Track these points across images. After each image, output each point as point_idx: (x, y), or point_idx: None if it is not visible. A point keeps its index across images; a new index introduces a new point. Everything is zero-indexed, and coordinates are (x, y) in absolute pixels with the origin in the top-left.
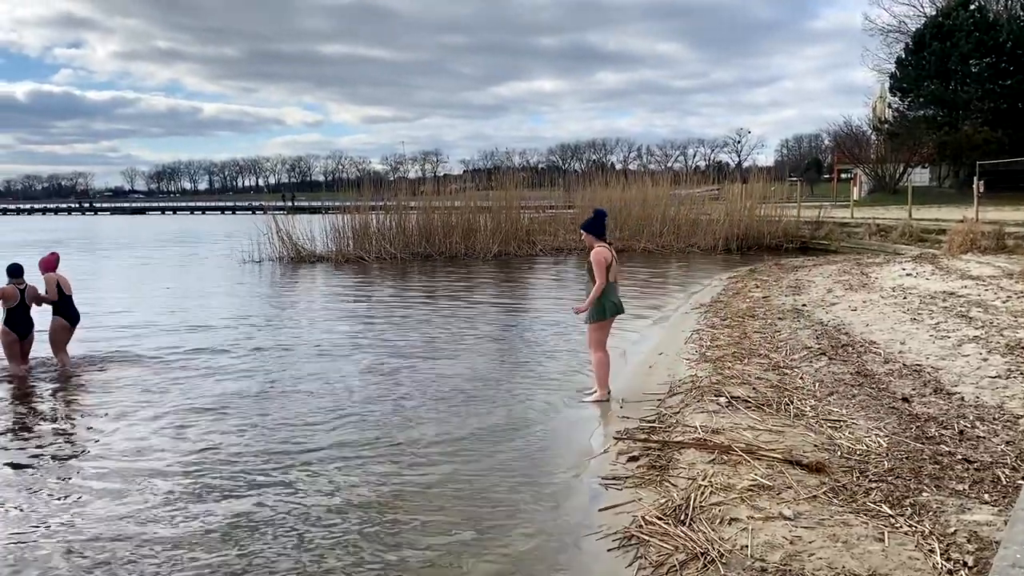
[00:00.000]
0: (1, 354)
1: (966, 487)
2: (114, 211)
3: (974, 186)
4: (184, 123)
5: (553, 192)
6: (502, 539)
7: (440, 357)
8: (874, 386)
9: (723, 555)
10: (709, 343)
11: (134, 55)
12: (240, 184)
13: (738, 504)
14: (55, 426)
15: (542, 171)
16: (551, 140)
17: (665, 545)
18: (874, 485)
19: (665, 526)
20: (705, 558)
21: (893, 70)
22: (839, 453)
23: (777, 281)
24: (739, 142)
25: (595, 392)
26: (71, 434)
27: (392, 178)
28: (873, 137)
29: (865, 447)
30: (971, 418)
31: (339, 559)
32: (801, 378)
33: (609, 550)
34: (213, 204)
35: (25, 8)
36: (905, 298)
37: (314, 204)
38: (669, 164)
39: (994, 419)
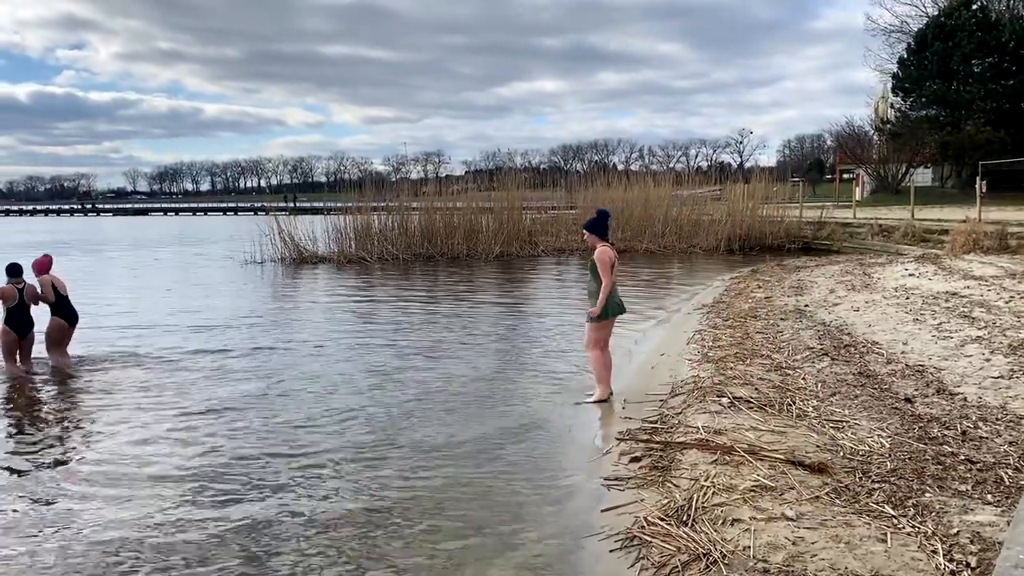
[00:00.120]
0: None
1: (969, 488)
2: (116, 212)
3: (976, 186)
4: (186, 124)
5: (555, 193)
6: (504, 541)
7: (442, 358)
8: (877, 387)
9: (725, 556)
10: (711, 344)
11: (136, 56)
12: (242, 185)
13: (740, 505)
14: (54, 428)
15: (544, 172)
16: (553, 141)
17: (667, 546)
18: (877, 486)
19: (667, 527)
20: (707, 559)
21: (895, 70)
22: (842, 454)
23: (779, 281)
24: (741, 142)
25: (595, 392)
26: (71, 436)
27: (394, 179)
28: (875, 137)
29: (868, 448)
30: (974, 419)
31: (341, 565)
32: (803, 379)
33: (611, 551)
34: (215, 205)
35: (27, 9)
36: (908, 298)
37: (316, 205)
38: (671, 164)
39: (997, 419)
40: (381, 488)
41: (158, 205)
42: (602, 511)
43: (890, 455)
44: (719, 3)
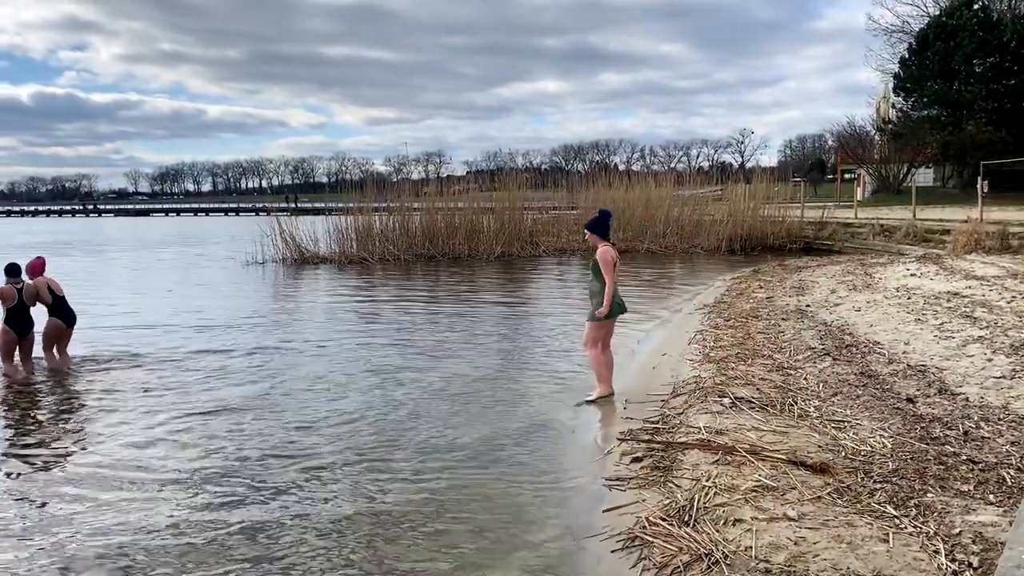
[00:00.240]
0: None
1: (971, 488)
2: (118, 213)
3: (978, 186)
4: (188, 125)
5: (556, 193)
6: (505, 542)
7: (444, 357)
8: (878, 387)
9: (727, 556)
10: (713, 344)
11: (138, 57)
12: (243, 186)
13: (742, 505)
14: (54, 429)
15: (545, 172)
16: (554, 141)
17: (669, 546)
18: (879, 486)
19: (669, 527)
20: (709, 559)
21: (897, 70)
22: (843, 454)
23: (781, 282)
24: (742, 142)
25: (596, 390)
26: (71, 438)
27: (395, 179)
28: (877, 137)
29: (869, 448)
30: (976, 418)
31: (342, 568)
32: (805, 379)
33: (613, 551)
34: (217, 206)
35: (29, 11)
36: (909, 298)
37: (317, 205)
38: (672, 165)
39: (999, 419)
40: (383, 491)
41: (159, 206)
42: (603, 511)
43: (892, 455)
44: (720, 3)
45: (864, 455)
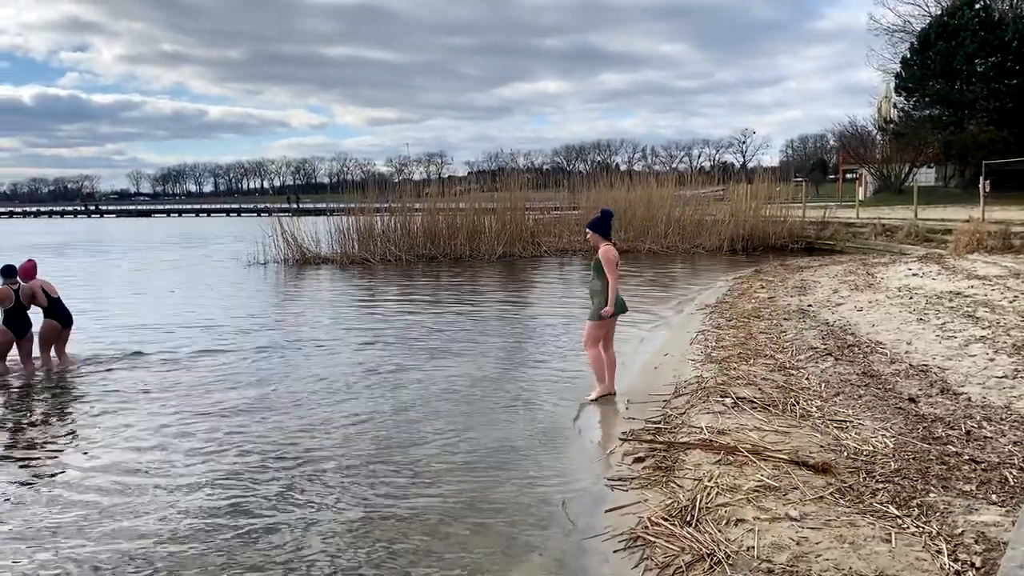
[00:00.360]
0: None
1: (973, 488)
2: (120, 214)
3: (980, 186)
4: (189, 126)
5: (558, 193)
6: (506, 542)
7: (446, 357)
8: (880, 386)
9: (729, 556)
10: (714, 344)
11: (139, 58)
12: (245, 186)
13: (744, 505)
14: (55, 433)
15: (547, 172)
16: (555, 141)
17: (671, 546)
18: (881, 486)
19: (671, 527)
20: (711, 559)
21: (898, 70)
22: (845, 454)
23: (782, 282)
24: (744, 142)
25: (595, 390)
26: (69, 441)
27: (397, 180)
28: (878, 137)
29: (872, 448)
30: (978, 418)
31: (343, 573)
32: (807, 379)
33: (615, 551)
34: (218, 206)
35: (31, 12)
36: (911, 298)
37: (319, 206)
38: (674, 165)
39: (1001, 419)
40: (386, 494)
41: (161, 206)
42: (606, 511)
43: (894, 455)
44: (720, 3)
45: (866, 455)
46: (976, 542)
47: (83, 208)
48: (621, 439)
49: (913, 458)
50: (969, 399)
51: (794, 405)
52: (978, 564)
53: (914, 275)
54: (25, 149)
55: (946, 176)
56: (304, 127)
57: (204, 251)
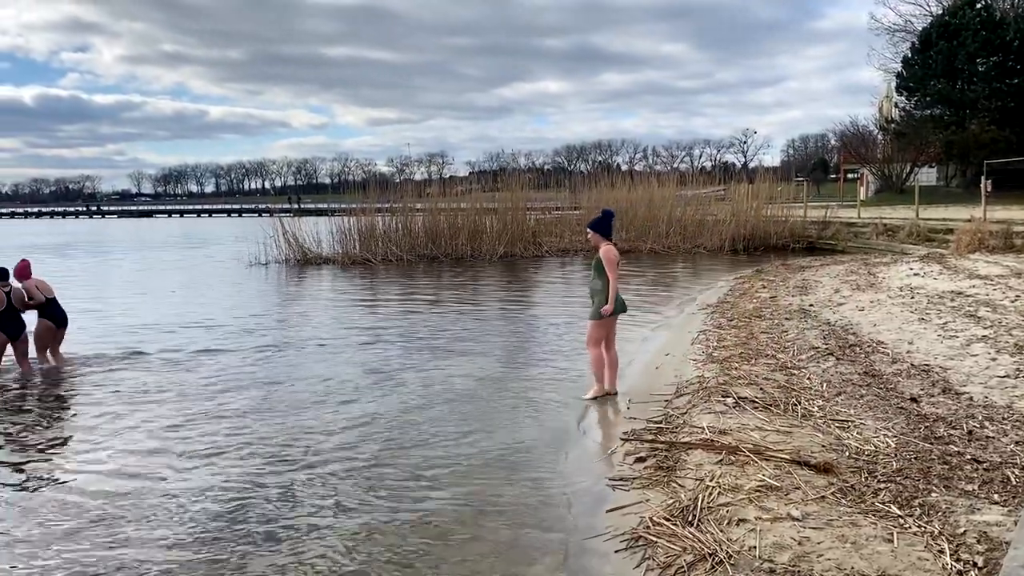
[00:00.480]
0: None
1: (975, 487)
2: (121, 214)
3: (981, 185)
4: (190, 126)
5: (559, 193)
6: (507, 542)
7: (448, 357)
8: (882, 386)
9: (731, 556)
10: (716, 344)
11: (140, 59)
12: (246, 187)
13: (746, 505)
14: (55, 436)
15: (548, 172)
16: (555, 141)
17: (673, 546)
18: (883, 485)
19: (673, 527)
20: (713, 559)
21: (899, 69)
22: (847, 453)
23: (784, 281)
24: (745, 142)
25: (592, 389)
26: (72, 445)
27: (398, 180)
28: (879, 137)
29: (873, 447)
30: (980, 418)
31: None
32: (808, 378)
33: (617, 551)
34: (220, 207)
35: (32, 12)
36: (913, 298)
37: (320, 206)
38: (675, 165)
39: (1003, 419)
40: (389, 496)
41: (163, 207)
42: (607, 511)
43: (896, 455)
44: (721, 3)
45: (868, 455)
46: (978, 542)
47: (85, 209)
48: (623, 439)
49: (915, 458)
50: (971, 399)
51: (795, 405)
52: (980, 564)
53: (916, 275)
54: (26, 150)
55: (947, 176)
56: (305, 127)
57: (205, 251)
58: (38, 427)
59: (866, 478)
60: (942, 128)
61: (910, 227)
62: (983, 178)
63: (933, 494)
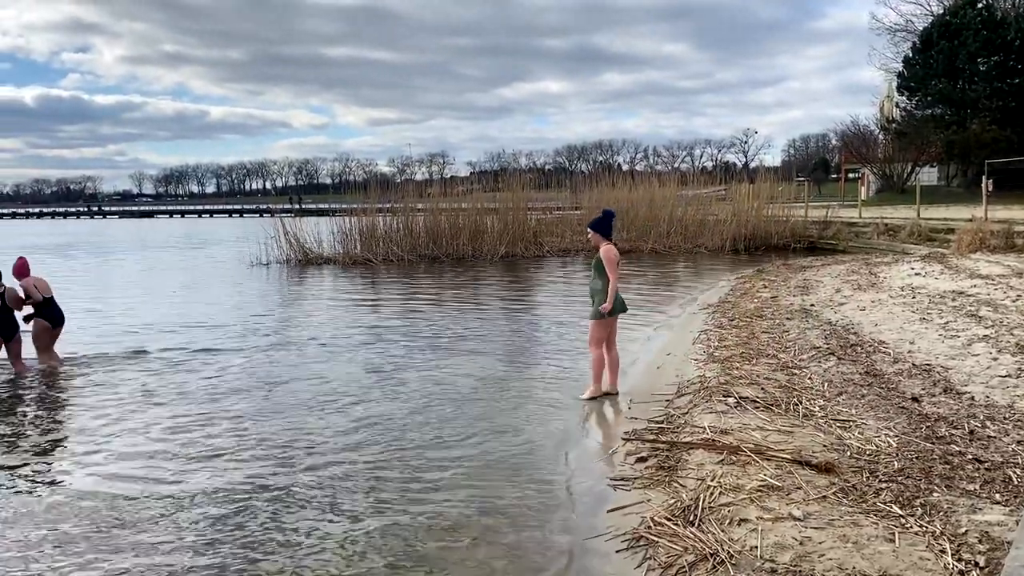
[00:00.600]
0: None
1: (977, 487)
2: (122, 215)
3: (983, 185)
4: (191, 126)
5: (560, 193)
6: (508, 542)
7: (449, 357)
8: (883, 386)
9: (733, 556)
10: (717, 343)
11: (141, 59)
12: (247, 187)
13: (747, 505)
14: (43, 437)
15: (549, 172)
16: (556, 141)
17: (674, 546)
18: (884, 485)
19: (674, 527)
20: (715, 559)
21: (900, 69)
22: (849, 453)
23: (785, 281)
24: (746, 142)
25: (589, 389)
26: (72, 448)
27: (399, 180)
28: (880, 136)
29: (875, 447)
30: (981, 418)
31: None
32: (810, 378)
33: (618, 551)
34: (221, 207)
35: (33, 13)
36: (914, 298)
37: (321, 207)
38: (676, 165)
39: (1005, 419)
40: (387, 498)
41: (164, 207)
42: (608, 511)
43: (897, 454)
44: (722, 3)
45: (869, 454)
46: (980, 542)
47: (86, 209)
48: (624, 439)
49: (916, 458)
50: (972, 398)
51: (797, 405)
52: (982, 564)
53: (917, 274)
54: (27, 150)
55: (949, 176)
56: (305, 127)
57: (207, 252)
58: (38, 428)
59: (867, 478)
60: (943, 128)
61: (911, 227)
62: (984, 178)
63: (935, 494)
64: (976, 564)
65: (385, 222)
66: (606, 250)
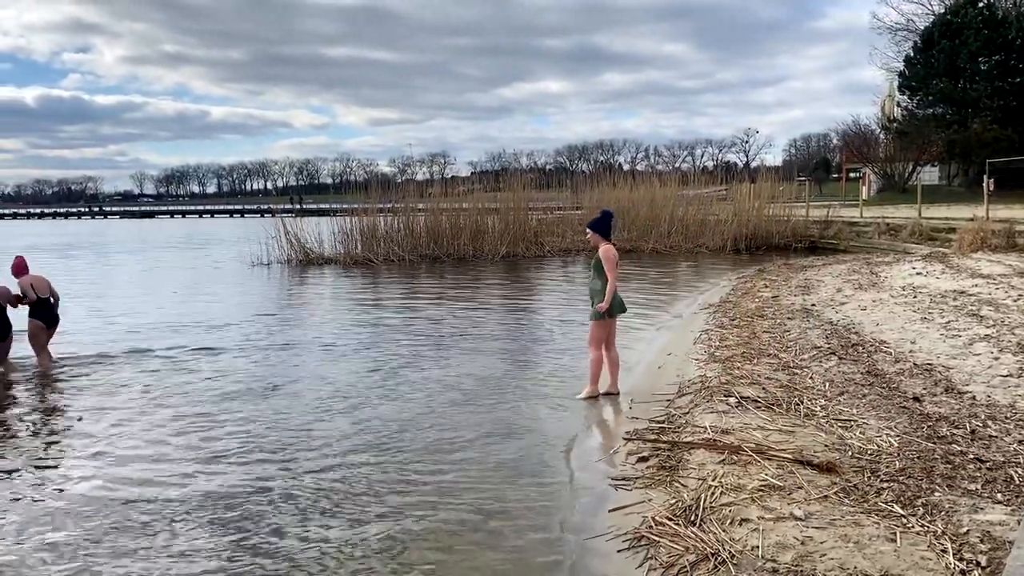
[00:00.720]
0: None
1: (978, 487)
2: (123, 215)
3: (984, 184)
4: (192, 126)
5: (561, 193)
6: (509, 542)
7: (449, 357)
8: (885, 385)
9: (734, 556)
10: (718, 343)
11: (142, 59)
12: (248, 187)
13: (749, 505)
14: (55, 440)
15: (549, 172)
16: (556, 141)
17: (675, 546)
18: (885, 485)
19: (675, 527)
20: (716, 559)
21: (902, 68)
22: (850, 453)
23: (786, 281)
24: (747, 142)
25: (586, 389)
26: (72, 450)
27: (400, 180)
28: (882, 136)
29: (876, 447)
30: (983, 417)
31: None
32: (811, 378)
33: (619, 551)
34: (222, 207)
35: (33, 13)
36: (915, 297)
37: (322, 207)
38: (677, 164)
39: (1006, 418)
40: (388, 500)
41: (165, 208)
42: (609, 511)
43: (899, 454)
44: (722, 3)
45: (871, 454)
46: (981, 541)
47: (87, 209)
48: (625, 438)
49: (918, 457)
50: (974, 398)
51: (798, 404)
52: (983, 563)
53: (918, 274)
54: (28, 150)
55: (950, 175)
56: (306, 127)
57: (208, 252)
58: (38, 429)
59: (869, 478)
60: (944, 127)
61: (912, 226)
62: (985, 177)
63: (936, 493)
64: (978, 564)
65: (386, 222)
66: (605, 250)
